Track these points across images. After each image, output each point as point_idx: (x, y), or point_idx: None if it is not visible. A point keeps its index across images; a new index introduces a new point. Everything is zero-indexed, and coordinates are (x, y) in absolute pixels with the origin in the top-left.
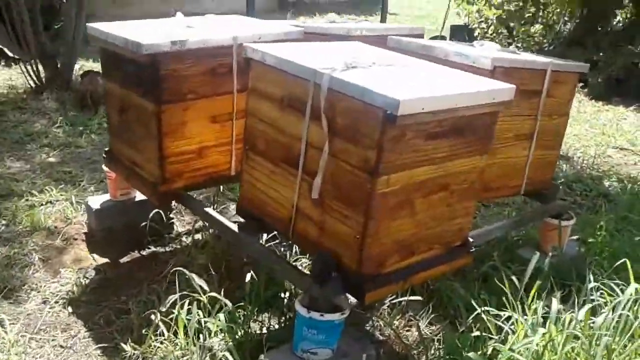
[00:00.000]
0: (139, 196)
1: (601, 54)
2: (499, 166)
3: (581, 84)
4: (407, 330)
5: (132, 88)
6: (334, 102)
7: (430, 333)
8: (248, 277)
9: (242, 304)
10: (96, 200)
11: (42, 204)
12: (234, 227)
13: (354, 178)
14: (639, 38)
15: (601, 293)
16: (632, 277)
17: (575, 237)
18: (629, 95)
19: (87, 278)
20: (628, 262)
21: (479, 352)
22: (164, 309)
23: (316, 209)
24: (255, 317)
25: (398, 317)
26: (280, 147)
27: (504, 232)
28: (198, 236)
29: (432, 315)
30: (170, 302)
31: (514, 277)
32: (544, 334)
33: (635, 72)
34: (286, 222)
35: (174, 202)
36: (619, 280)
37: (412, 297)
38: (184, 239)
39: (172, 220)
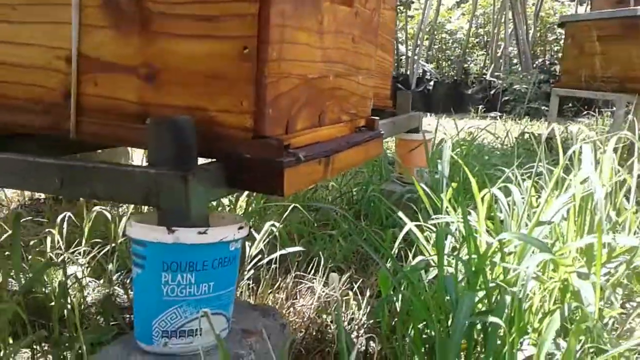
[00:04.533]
0: None
1: None
2: None
3: None
4: (294, 299)
5: None
6: None
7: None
8: None
9: None
10: None
11: None
12: None
13: None
14: None
15: None
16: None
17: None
18: None
19: None
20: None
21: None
22: None
23: (133, 35)
24: None
25: (277, 284)
26: None
27: (385, 133)
28: None
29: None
30: None
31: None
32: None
33: None
34: (57, 102)
35: None
36: None
37: (290, 249)
38: None
39: None
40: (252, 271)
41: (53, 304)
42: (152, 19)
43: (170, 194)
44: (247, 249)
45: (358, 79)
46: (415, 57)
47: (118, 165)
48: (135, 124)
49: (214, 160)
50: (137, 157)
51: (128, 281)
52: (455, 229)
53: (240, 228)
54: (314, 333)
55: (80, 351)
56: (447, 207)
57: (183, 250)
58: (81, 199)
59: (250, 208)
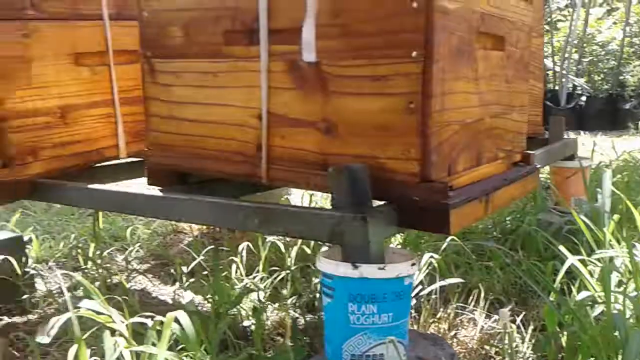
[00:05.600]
0: None
1: None
2: None
3: None
4: (459, 329)
5: None
6: None
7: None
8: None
9: None
10: None
11: None
12: (154, 192)
13: None
14: None
15: None
16: None
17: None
18: None
19: None
20: None
21: None
22: None
23: (313, 95)
24: None
25: (439, 314)
26: (214, 19)
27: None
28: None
29: (475, 306)
30: None
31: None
32: None
33: None
34: (251, 153)
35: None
36: None
37: (450, 280)
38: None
39: (30, 271)
40: (413, 301)
41: (250, 325)
42: (329, 80)
43: (353, 233)
44: None
45: (512, 116)
46: (564, 72)
47: (307, 208)
48: (316, 170)
49: (386, 202)
50: (296, 197)
51: (300, 305)
52: (621, 263)
53: (413, 264)
54: None
55: None
56: (610, 240)
57: (366, 284)
58: None
59: (405, 239)
